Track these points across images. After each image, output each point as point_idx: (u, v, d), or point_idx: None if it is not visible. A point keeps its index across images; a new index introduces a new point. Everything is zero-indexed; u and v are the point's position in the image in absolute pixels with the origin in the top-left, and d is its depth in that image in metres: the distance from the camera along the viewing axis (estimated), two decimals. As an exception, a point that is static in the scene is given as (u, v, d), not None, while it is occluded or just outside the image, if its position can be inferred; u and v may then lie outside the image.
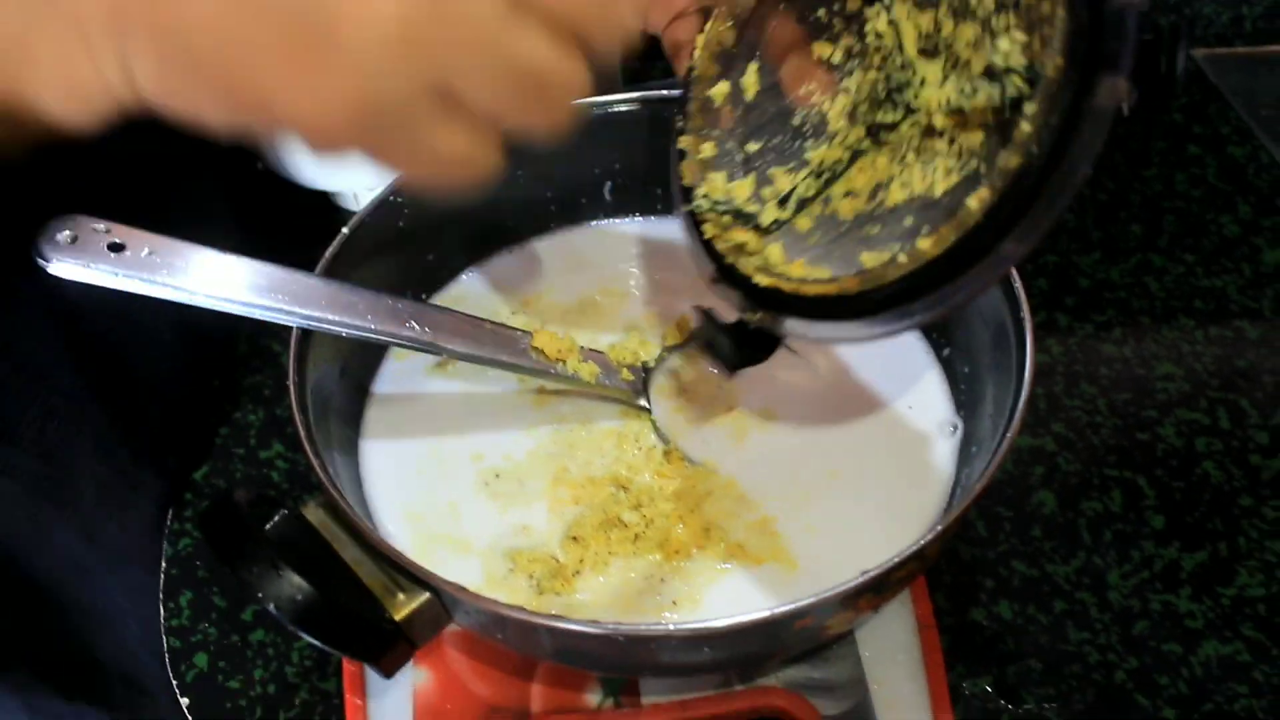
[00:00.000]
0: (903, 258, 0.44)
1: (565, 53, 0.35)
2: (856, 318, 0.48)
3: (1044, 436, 0.72)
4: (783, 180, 0.52)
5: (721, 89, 0.54)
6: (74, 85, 0.39)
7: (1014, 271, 0.57)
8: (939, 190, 0.45)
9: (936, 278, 0.44)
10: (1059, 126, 0.40)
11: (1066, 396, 0.75)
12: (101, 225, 0.56)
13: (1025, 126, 0.40)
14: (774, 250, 0.51)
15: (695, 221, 0.55)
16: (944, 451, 0.61)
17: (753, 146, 0.54)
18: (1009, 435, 0.51)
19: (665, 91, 0.69)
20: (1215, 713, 0.60)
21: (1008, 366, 0.56)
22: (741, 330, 0.55)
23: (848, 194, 0.50)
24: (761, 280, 0.51)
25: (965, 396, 0.62)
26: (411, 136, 0.35)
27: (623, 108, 0.69)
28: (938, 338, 0.65)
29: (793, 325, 0.51)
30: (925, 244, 0.43)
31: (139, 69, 0.37)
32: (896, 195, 0.48)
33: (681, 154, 0.55)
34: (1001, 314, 0.57)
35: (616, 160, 0.72)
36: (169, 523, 0.69)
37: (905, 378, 0.65)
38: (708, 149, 0.55)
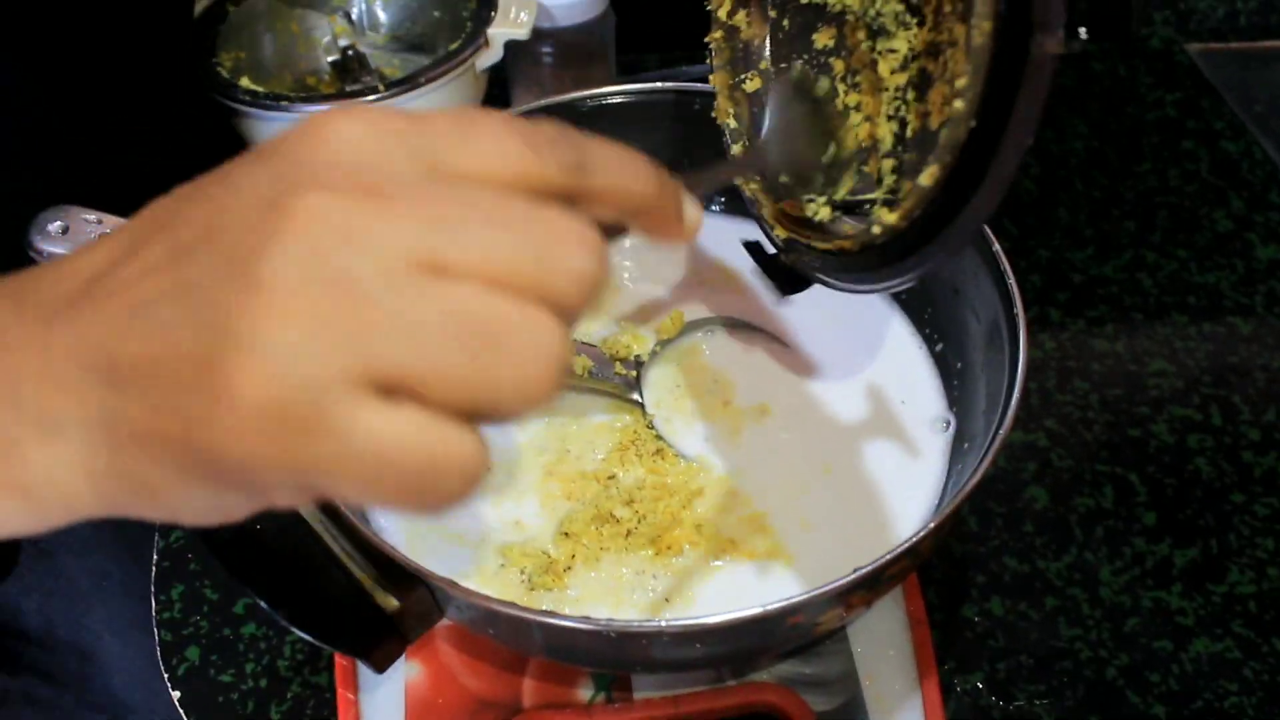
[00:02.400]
0: (875, 228, 0.46)
1: (511, 302, 0.27)
2: (861, 272, 0.49)
3: (1036, 432, 0.72)
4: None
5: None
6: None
7: (1008, 268, 0.57)
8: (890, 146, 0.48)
9: (915, 242, 0.45)
10: (995, 95, 0.40)
11: (1059, 392, 0.75)
12: (93, 216, 0.55)
13: (959, 103, 0.40)
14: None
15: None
16: (936, 447, 0.61)
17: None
18: (1001, 432, 0.51)
19: (660, 84, 0.69)
20: (1205, 710, 0.60)
21: (1000, 363, 0.56)
22: (779, 264, 0.57)
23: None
24: (779, 232, 0.54)
25: (958, 392, 0.62)
26: (352, 441, 0.26)
27: (617, 100, 0.69)
28: (931, 333, 0.65)
29: (817, 274, 0.54)
30: (892, 217, 0.45)
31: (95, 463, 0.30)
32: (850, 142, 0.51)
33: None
34: (995, 310, 0.57)
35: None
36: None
37: (898, 373, 0.65)
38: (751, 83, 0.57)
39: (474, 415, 0.28)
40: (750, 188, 0.56)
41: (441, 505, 0.28)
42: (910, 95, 0.48)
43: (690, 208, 0.36)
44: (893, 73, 0.48)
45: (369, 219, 0.27)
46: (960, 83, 0.39)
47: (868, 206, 0.50)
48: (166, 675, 0.62)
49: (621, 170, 0.32)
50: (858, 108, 0.51)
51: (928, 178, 0.42)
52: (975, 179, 0.41)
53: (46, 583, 0.64)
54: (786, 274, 0.57)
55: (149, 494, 0.29)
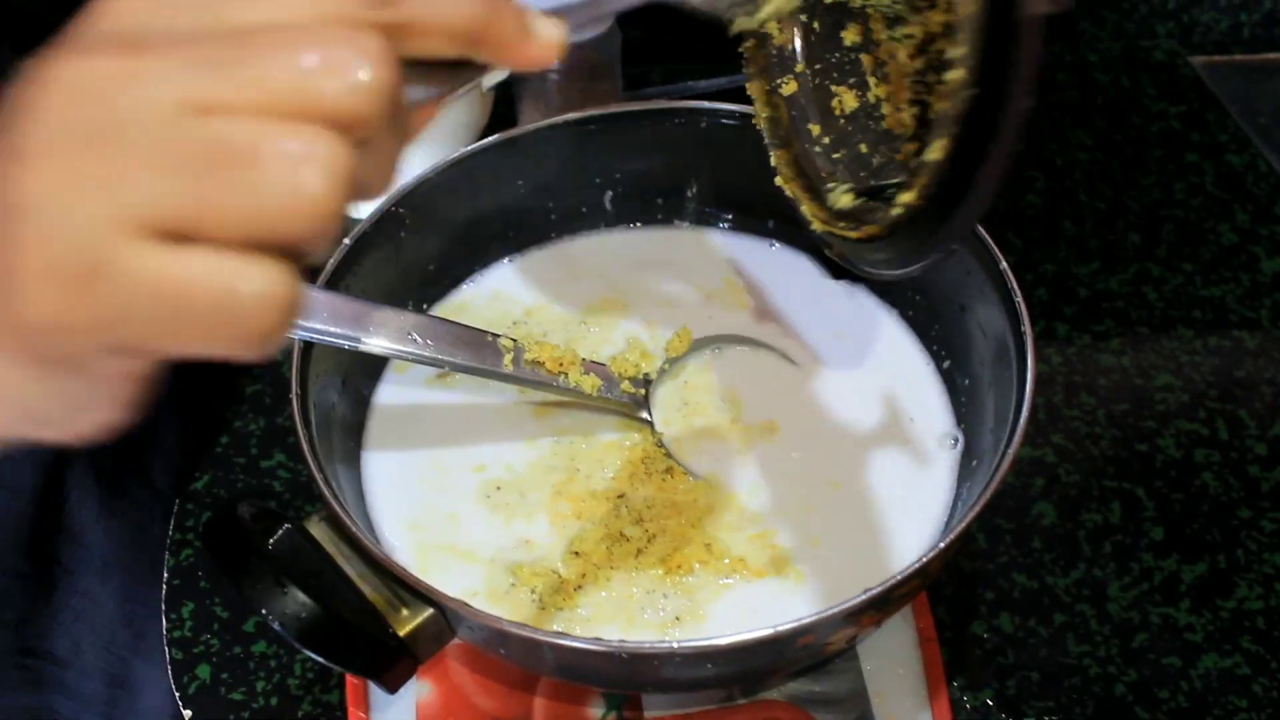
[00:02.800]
0: (896, 209, 0.47)
1: (276, 124, 0.27)
2: (891, 255, 0.50)
3: (1043, 447, 0.72)
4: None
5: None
6: None
7: (1014, 285, 0.57)
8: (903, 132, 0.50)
9: (937, 219, 0.45)
10: (991, 62, 0.39)
11: (1065, 407, 0.75)
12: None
13: (957, 73, 0.40)
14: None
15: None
16: (944, 464, 0.61)
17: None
18: (1010, 451, 0.51)
19: (665, 101, 0.69)
20: (1214, 726, 0.60)
21: (1008, 381, 0.56)
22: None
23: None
24: (816, 226, 0.55)
25: (966, 409, 0.63)
26: (125, 279, 0.27)
27: (626, 118, 0.69)
28: (938, 350, 0.65)
29: (851, 261, 0.54)
30: (909, 195, 0.46)
31: None
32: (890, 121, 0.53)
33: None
34: (1002, 327, 0.58)
35: (617, 169, 0.72)
36: (171, 533, 0.69)
37: (906, 390, 0.65)
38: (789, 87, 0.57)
39: (265, 245, 0.28)
40: (790, 186, 0.57)
41: (256, 342, 0.28)
42: (930, 78, 0.49)
43: (546, 25, 0.35)
44: (910, 58, 0.49)
45: (124, 71, 0.27)
46: (957, 52, 0.39)
47: (892, 191, 0.51)
48: (178, 693, 0.62)
49: (435, 7, 0.31)
50: (888, 98, 0.53)
51: (936, 151, 0.42)
52: (982, 147, 0.41)
53: (74, 603, 0.64)
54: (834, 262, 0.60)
55: (11, 402, 0.31)
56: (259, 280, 0.27)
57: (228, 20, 0.29)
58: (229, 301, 0.27)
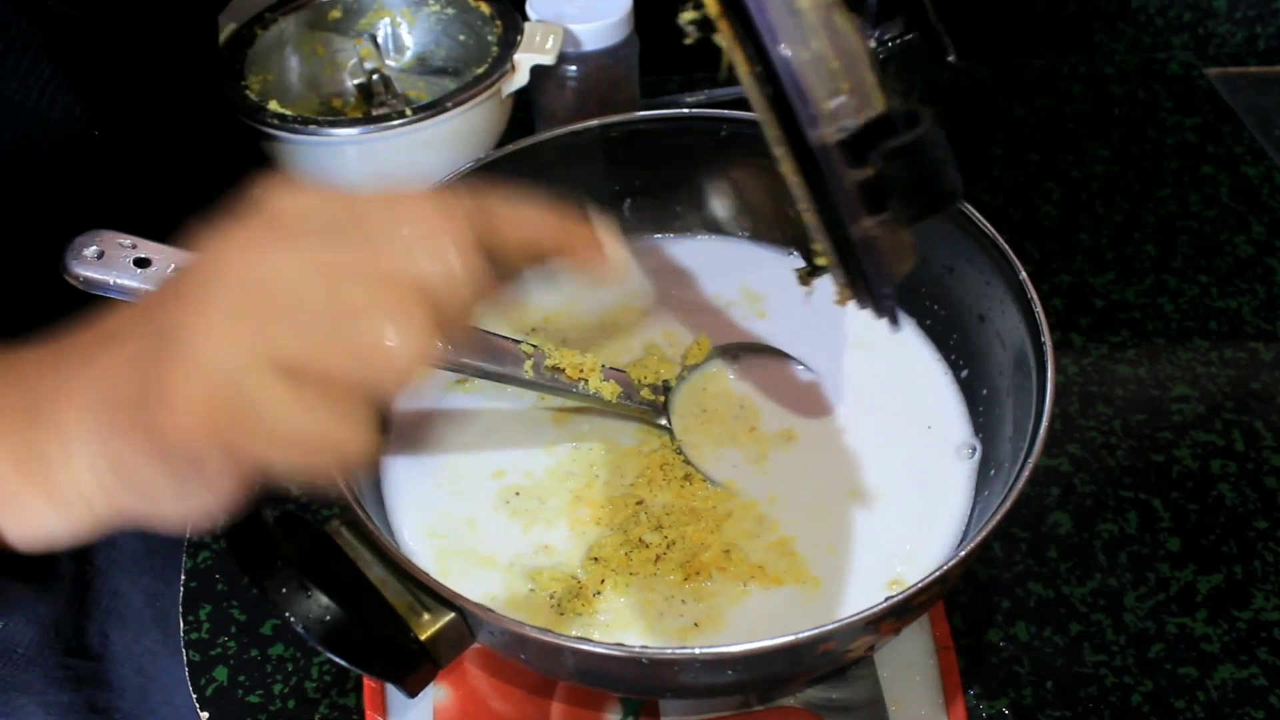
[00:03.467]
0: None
1: (392, 299, 0.34)
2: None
3: (1059, 457, 0.72)
4: None
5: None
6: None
7: (1034, 296, 0.57)
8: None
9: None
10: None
11: (1082, 417, 0.75)
12: (127, 240, 0.56)
13: (823, 261, 0.45)
14: None
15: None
16: (962, 473, 0.61)
17: None
18: (1030, 461, 0.51)
19: (687, 110, 0.70)
20: (1231, 737, 0.60)
21: (1027, 391, 0.56)
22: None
23: None
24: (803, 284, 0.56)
25: (984, 419, 0.63)
26: (266, 416, 0.34)
27: (641, 125, 0.69)
28: (956, 359, 0.66)
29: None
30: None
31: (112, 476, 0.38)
32: None
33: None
34: (1021, 338, 0.58)
35: (635, 177, 0.72)
36: (188, 535, 0.69)
37: (925, 399, 0.65)
38: None
39: (360, 385, 0.34)
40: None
41: (333, 464, 0.35)
42: None
43: (613, 247, 0.45)
44: None
45: (275, 248, 0.35)
46: (816, 247, 0.44)
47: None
48: (195, 696, 0.62)
49: (522, 222, 0.41)
50: None
51: (840, 287, 0.46)
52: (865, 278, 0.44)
53: (105, 602, 0.65)
54: None
55: (136, 485, 0.37)
56: (346, 420, 0.34)
57: (364, 224, 0.36)
58: (321, 431, 0.34)
